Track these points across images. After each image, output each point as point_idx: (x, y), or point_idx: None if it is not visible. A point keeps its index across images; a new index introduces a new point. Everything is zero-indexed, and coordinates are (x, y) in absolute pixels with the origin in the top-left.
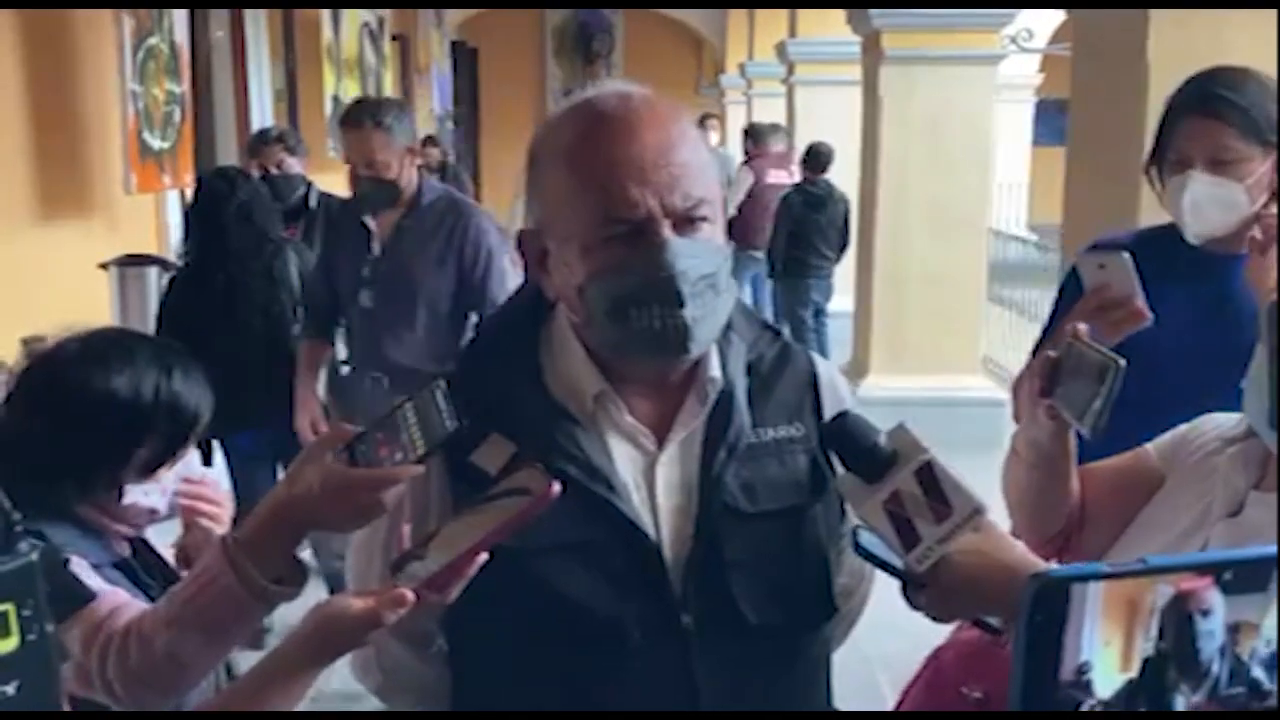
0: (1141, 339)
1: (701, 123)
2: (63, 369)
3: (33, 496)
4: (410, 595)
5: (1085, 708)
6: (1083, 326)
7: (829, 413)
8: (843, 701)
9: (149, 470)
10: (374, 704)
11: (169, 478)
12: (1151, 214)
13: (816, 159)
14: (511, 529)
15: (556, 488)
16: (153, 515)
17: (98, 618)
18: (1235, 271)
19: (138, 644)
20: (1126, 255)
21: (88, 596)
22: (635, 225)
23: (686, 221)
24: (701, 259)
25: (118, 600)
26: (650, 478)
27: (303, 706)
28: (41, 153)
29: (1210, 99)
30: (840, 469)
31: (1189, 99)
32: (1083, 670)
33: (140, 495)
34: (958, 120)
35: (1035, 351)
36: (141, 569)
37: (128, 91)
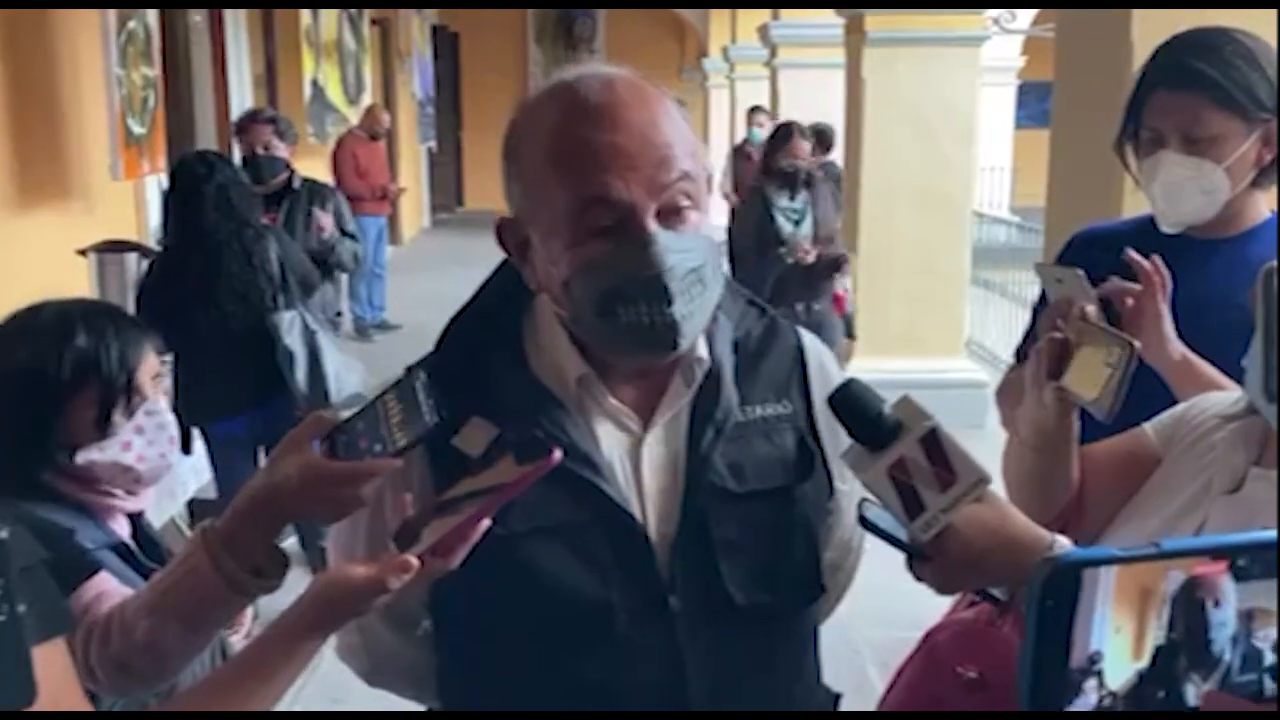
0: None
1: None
2: None
3: (17, 480)
4: (414, 561)
5: (1095, 698)
6: (1091, 308)
7: (817, 389)
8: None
9: (98, 427)
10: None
11: (129, 430)
12: (1136, 196)
13: (822, 138)
14: (514, 492)
15: (559, 454)
16: (129, 474)
17: (83, 604)
18: (1218, 257)
19: (119, 631)
20: (1080, 271)
21: (95, 567)
22: (619, 219)
23: (673, 211)
24: (689, 253)
25: (104, 587)
26: (636, 459)
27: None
28: (19, 139)
29: (1182, 69)
30: (844, 439)
31: (1159, 69)
32: (1094, 660)
33: (96, 453)
34: (941, 102)
35: (1019, 352)
36: (142, 551)
37: (114, 76)
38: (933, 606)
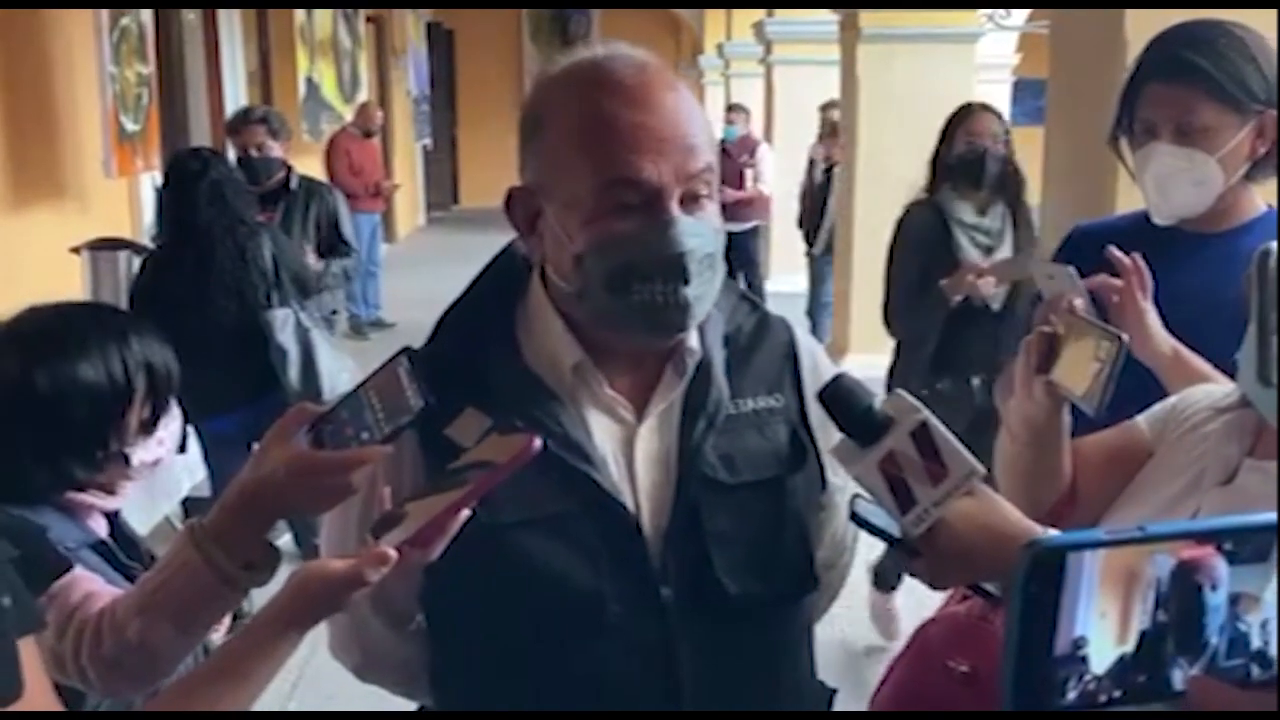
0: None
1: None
2: (23, 366)
3: (18, 479)
4: (392, 553)
5: (1080, 683)
6: (1079, 302)
7: (808, 383)
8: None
9: (146, 430)
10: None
11: (162, 427)
12: (1130, 193)
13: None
14: (494, 482)
15: (538, 443)
16: (156, 465)
17: (70, 604)
18: (1212, 251)
19: (110, 631)
20: (1071, 269)
21: (66, 565)
22: (644, 197)
23: (693, 198)
24: (705, 238)
25: (91, 586)
26: (629, 450)
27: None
28: (13, 137)
29: (1174, 61)
30: (835, 434)
31: (1152, 61)
32: (1079, 645)
33: (143, 453)
34: (936, 99)
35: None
36: (121, 549)
37: (106, 74)
38: (926, 603)
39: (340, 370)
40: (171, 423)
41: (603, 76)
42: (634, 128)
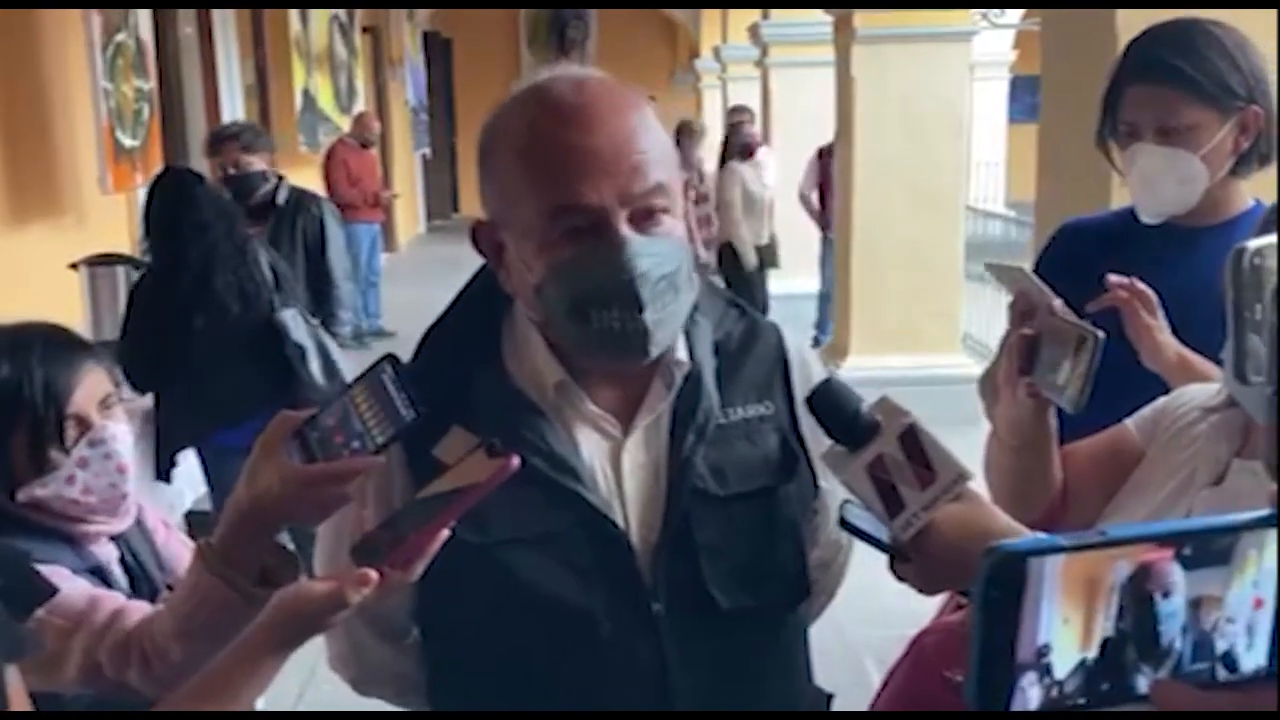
0: (1113, 322)
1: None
2: None
3: None
4: (373, 574)
5: (1043, 690)
6: (1058, 302)
7: (799, 389)
8: (829, 687)
9: (36, 462)
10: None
11: (72, 464)
12: (1124, 188)
13: None
14: (473, 501)
15: (515, 462)
16: (78, 507)
17: (99, 623)
18: (1203, 245)
19: (155, 656)
20: (1026, 267)
21: (49, 591)
22: (591, 221)
23: (646, 214)
24: (662, 257)
25: (114, 604)
26: (616, 464)
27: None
28: (10, 153)
29: (1152, 64)
30: (823, 441)
31: (1131, 64)
32: (1043, 653)
33: (38, 490)
34: (932, 98)
35: (1002, 346)
36: (124, 575)
37: (100, 90)
38: (928, 605)
39: (350, 372)
40: (94, 461)
41: (540, 98)
42: (573, 150)
